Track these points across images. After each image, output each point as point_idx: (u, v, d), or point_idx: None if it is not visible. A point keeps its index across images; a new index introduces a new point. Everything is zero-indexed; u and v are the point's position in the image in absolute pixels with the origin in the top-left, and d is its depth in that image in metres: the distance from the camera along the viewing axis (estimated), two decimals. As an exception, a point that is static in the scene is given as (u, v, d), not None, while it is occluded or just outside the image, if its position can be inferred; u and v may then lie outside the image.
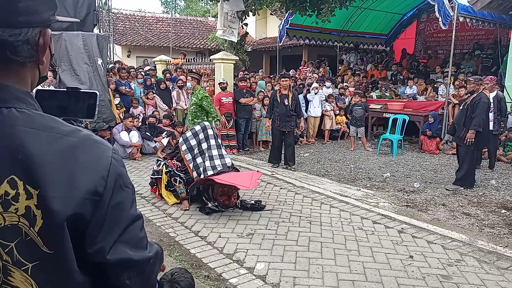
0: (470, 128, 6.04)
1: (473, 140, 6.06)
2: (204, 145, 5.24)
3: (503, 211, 5.30)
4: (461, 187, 6.22)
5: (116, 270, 0.85)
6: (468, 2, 9.76)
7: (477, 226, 4.75)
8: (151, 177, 5.48)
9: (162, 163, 5.37)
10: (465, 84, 10.01)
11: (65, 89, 1.05)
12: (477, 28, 11.78)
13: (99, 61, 7.96)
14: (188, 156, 5.22)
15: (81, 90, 1.05)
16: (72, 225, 0.78)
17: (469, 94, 6.47)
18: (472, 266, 3.70)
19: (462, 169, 6.27)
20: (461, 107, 6.48)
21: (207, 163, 5.10)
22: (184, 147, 5.26)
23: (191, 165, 5.18)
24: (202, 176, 5.00)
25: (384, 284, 3.34)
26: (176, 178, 5.14)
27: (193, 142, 5.26)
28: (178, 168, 5.20)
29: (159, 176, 5.28)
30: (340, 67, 15.55)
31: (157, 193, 5.52)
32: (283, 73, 8.90)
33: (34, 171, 0.77)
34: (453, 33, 9.64)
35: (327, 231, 4.46)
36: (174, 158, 5.41)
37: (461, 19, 9.79)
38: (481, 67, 11.66)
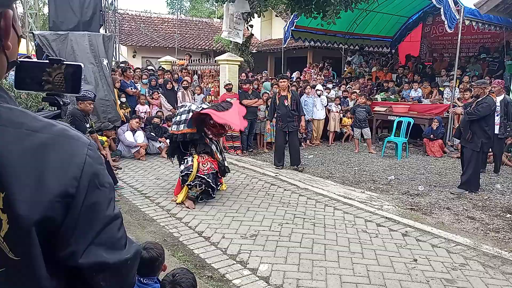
0: (465, 112, 6.18)
1: (458, 112, 6.31)
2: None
3: (508, 215, 5.27)
4: (466, 191, 6.19)
5: (90, 273, 0.81)
6: (474, 5, 9.72)
7: (482, 230, 4.73)
8: (182, 176, 5.25)
9: (190, 158, 5.24)
10: (470, 88, 10.00)
11: (47, 61, 0.96)
12: (483, 31, 11.72)
13: (105, 61, 7.99)
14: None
15: (64, 62, 0.97)
16: (42, 229, 0.74)
17: (474, 98, 6.43)
18: (476, 271, 3.68)
19: (467, 172, 6.25)
20: (466, 110, 6.42)
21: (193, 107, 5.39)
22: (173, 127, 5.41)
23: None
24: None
25: (388, 287, 3.33)
26: (202, 185, 5.13)
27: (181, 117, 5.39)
28: (209, 171, 5.18)
29: (191, 171, 5.13)
30: (346, 69, 15.53)
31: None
32: (281, 74, 8.92)
33: None
34: (459, 36, 9.60)
35: (330, 233, 4.45)
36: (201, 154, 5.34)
37: (467, 22, 9.75)
38: (487, 71, 11.59)
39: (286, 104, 7.23)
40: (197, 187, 5.14)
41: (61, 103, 1.01)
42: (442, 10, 9.57)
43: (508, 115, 7.67)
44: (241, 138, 8.95)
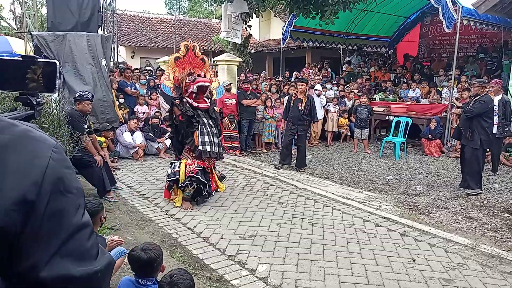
0: (462, 109, 6.19)
1: (457, 111, 6.14)
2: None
3: (506, 215, 5.28)
4: (480, 189, 6.15)
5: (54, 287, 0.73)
6: (472, 5, 9.73)
7: (480, 230, 4.74)
8: (168, 181, 5.33)
9: (178, 163, 5.31)
10: (468, 87, 10.01)
11: (20, 59, 0.91)
12: (481, 31, 11.75)
13: (103, 62, 7.98)
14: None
15: (38, 59, 0.92)
16: None
17: (473, 97, 6.44)
18: (474, 270, 3.69)
19: (471, 172, 6.20)
20: (463, 108, 6.48)
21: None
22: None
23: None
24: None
25: (386, 287, 3.34)
26: (193, 183, 5.14)
27: None
28: (195, 171, 5.17)
29: (177, 177, 5.20)
30: (345, 68, 15.55)
31: (172, 195, 5.46)
32: (300, 77, 8.97)
33: None
34: (457, 36, 9.62)
35: (329, 234, 4.46)
36: (191, 152, 5.37)
37: (465, 22, 9.77)
38: (485, 71, 11.62)
39: (300, 108, 7.30)
40: (189, 186, 5.15)
41: (35, 103, 0.96)
42: (440, 10, 9.59)
43: (506, 115, 7.69)
44: (239, 139, 8.95)
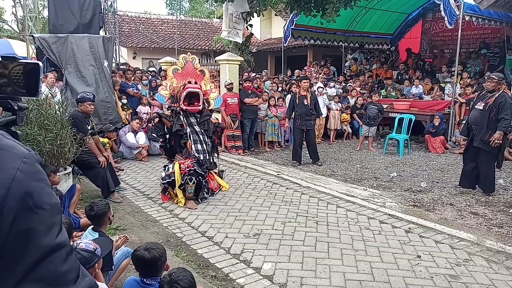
0: (498, 129, 5.65)
1: (500, 141, 5.74)
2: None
3: (511, 210, 5.25)
4: (484, 192, 5.99)
5: None
6: (474, 0, 9.68)
7: (485, 225, 4.71)
8: (163, 184, 5.38)
9: (171, 165, 5.36)
10: (471, 83, 9.97)
11: None
12: (483, 26, 11.68)
13: (105, 63, 8.01)
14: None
15: (19, 60, 0.85)
16: None
17: (488, 93, 5.93)
18: (480, 266, 3.67)
19: (487, 175, 5.95)
20: (478, 107, 5.94)
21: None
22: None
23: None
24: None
25: (392, 284, 3.33)
26: (192, 178, 5.17)
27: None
28: (191, 165, 5.22)
29: (173, 178, 5.24)
30: (349, 66, 15.52)
31: (168, 197, 5.49)
32: (303, 75, 9.15)
33: None
34: (459, 32, 9.57)
35: (333, 231, 4.45)
36: (181, 155, 5.42)
37: (467, 18, 9.72)
38: (487, 66, 11.57)
39: (306, 104, 7.60)
40: (190, 182, 5.16)
41: (16, 107, 0.89)
42: (441, 6, 9.56)
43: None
44: (242, 138, 8.95)
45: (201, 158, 5.39)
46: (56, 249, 0.69)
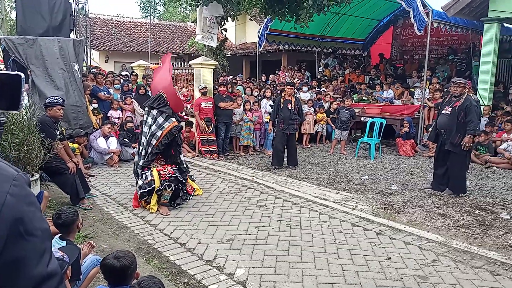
0: (467, 133, 5.84)
1: (471, 144, 5.98)
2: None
3: (477, 211, 5.44)
4: (454, 194, 6.16)
5: None
6: (441, 8, 10.02)
7: (452, 226, 4.86)
8: (142, 192, 5.19)
9: (149, 173, 5.26)
10: (440, 88, 10.29)
11: None
12: (451, 33, 12.10)
13: (76, 67, 7.82)
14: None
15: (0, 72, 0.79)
16: None
17: (453, 98, 6.13)
18: (447, 266, 3.78)
19: (458, 177, 6.13)
20: (446, 112, 6.14)
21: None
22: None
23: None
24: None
25: (363, 286, 3.38)
26: (171, 184, 5.12)
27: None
28: (172, 172, 5.18)
29: (153, 186, 5.13)
30: (322, 71, 15.74)
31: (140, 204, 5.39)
32: (289, 81, 9.35)
33: None
34: (428, 39, 9.88)
35: (306, 235, 4.48)
36: (161, 160, 5.36)
37: (435, 24, 10.05)
38: (455, 72, 11.97)
39: (290, 108, 7.78)
40: (167, 189, 5.10)
41: None
42: (411, 13, 9.84)
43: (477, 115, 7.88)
44: (216, 142, 8.92)
45: (184, 166, 5.55)
46: (48, 278, 0.64)
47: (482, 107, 9.01)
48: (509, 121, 8.94)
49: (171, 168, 5.22)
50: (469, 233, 4.64)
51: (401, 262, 3.85)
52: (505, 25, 10.81)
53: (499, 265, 3.80)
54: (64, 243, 2.83)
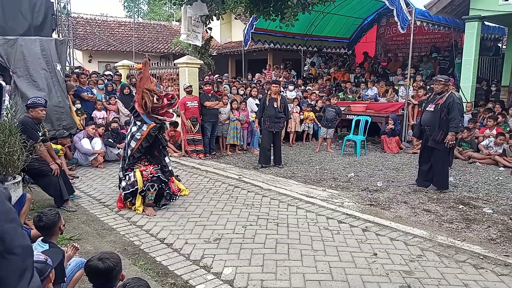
0: (450, 130, 5.93)
1: (454, 142, 6.07)
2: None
3: (461, 206, 5.52)
4: (438, 190, 6.24)
5: None
6: (424, 6, 10.16)
7: (437, 221, 4.93)
8: (125, 193, 5.15)
9: (132, 174, 5.21)
10: (423, 85, 10.43)
11: None
12: (434, 31, 12.29)
13: (58, 67, 7.69)
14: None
15: None
16: None
17: (437, 95, 6.22)
18: (432, 261, 3.83)
19: (441, 173, 6.23)
20: (429, 109, 6.22)
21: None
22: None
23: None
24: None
25: (350, 283, 3.40)
26: (154, 184, 5.07)
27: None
28: (154, 172, 5.13)
29: (136, 187, 5.08)
30: (308, 70, 15.81)
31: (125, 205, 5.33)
32: (274, 79, 9.32)
33: None
34: (411, 37, 10.00)
35: (293, 233, 4.49)
36: (144, 161, 5.32)
37: (418, 23, 10.18)
38: (438, 69, 12.15)
39: (275, 106, 7.80)
40: (151, 189, 5.06)
41: None
42: (395, 11, 9.94)
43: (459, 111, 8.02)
44: (203, 142, 8.88)
45: (170, 168, 5.49)
46: None
47: (464, 104, 9.17)
48: (491, 117, 9.12)
49: (153, 168, 5.16)
50: (453, 228, 4.71)
51: (387, 258, 3.89)
52: (486, 23, 11.02)
53: (482, 258, 3.87)
54: (47, 246, 2.78)
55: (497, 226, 4.75)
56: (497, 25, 12.47)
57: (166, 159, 5.56)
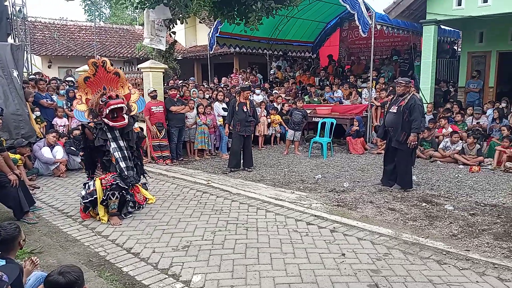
0: (412, 131, 6.10)
1: (416, 142, 6.28)
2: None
3: (424, 204, 5.71)
4: (402, 189, 6.40)
5: None
6: (384, 11, 10.47)
7: (402, 220, 5.06)
8: (85, 203, 5.03)
9: (92, 183, 5.07)
10: (385, 88, 10.73)
11: None
12: (394, 35, 12.68)
13: (15, 73, 7.36)
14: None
15: None
16: None
17: (399, 97, 6.38)
18: (398, 259, 3.92)
19: (404, 173, 6.39)
20: (393, 110, 6.39)
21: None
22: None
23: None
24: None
25: (319, 284, 3.43)
26: (115, 193, 4.92)
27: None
28: (112, 180, 4.96)
29: (95, 197, 4.95)
30: (275, 74, 15.92)
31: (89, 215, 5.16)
32: (244, 86, 9.27)
33: None
34: (372, 40, 10.28)
35: (263, 236, 4.49)
36: (102, 170, 5.19)
37: (378, 27, 10.49)
38: (399, 72, 12.55)
39: (245, 110, 7.90)
40: (112, 197, 4.92)
41: None
42: (356, 15, 10.18)
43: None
44: (169, 147, 8.74)
45: (130, 175, 5.21)
46: None
47: (425, 105, 9.51)
48: (444, 117, 9.55)
49: (110, 176, 5.01)
50: (417, 226, 4.85)
51: (354, 257, 3.95)
52: (442, 27, 11.50)
53: (445, 254, 4.01)
54: (3, 262, 2.63)
55: (458, 222, 4.93)
56: (453, 29, 13.05)
57: (122, 164, 5.19)
